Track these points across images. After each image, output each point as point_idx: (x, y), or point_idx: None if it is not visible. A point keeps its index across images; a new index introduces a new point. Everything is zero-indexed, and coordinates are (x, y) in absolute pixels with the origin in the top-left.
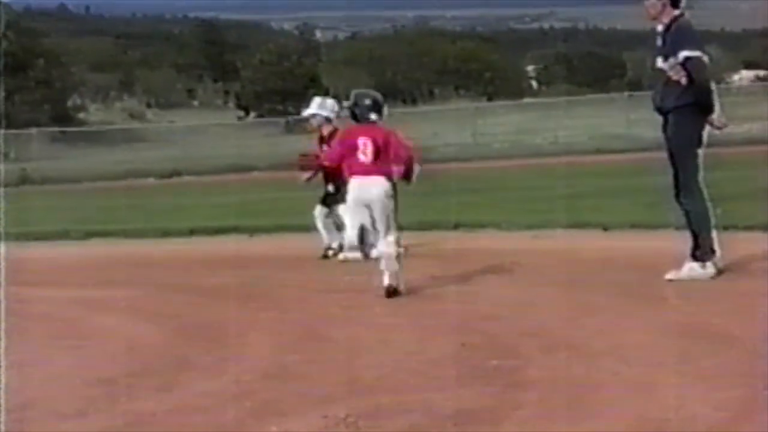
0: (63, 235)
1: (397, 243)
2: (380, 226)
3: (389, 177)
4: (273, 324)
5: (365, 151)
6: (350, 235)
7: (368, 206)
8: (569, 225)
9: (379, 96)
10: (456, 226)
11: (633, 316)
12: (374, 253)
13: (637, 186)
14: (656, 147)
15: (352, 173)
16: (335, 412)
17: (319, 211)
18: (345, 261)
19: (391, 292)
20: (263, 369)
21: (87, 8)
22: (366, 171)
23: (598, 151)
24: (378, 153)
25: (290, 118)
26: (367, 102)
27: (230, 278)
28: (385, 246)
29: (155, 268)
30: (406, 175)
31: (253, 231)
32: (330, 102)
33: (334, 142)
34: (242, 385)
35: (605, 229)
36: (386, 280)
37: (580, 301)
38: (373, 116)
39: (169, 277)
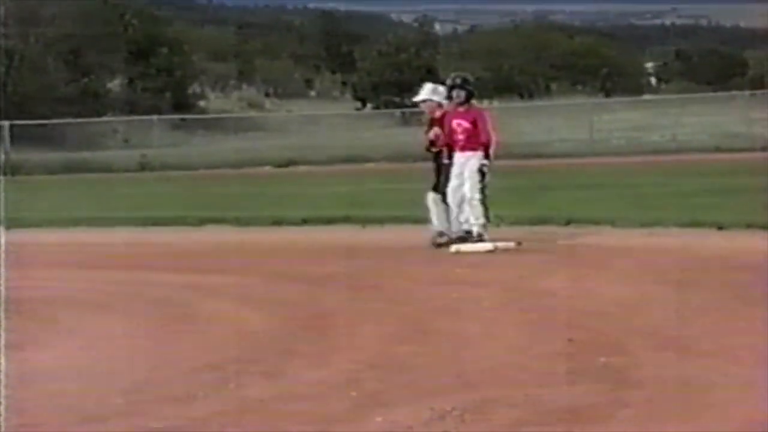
0: (179, 221)
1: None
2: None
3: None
4: (381, 315)
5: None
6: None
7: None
8: (684, 223)
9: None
10: (568, 222)
11: (745, 316)
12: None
13: (756, 185)
14: None
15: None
16: (441, 405)
17: (432, 198)
18: (458, 252)
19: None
20: (370, 359)
21: None
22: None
23: (718, 149)
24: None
25: (404, 110)
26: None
27: (341, 268)
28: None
29: (267, 256)
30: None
31: (365, 222)
32: (441, 88)
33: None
34: (349, 375)
35: (720, 228)
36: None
37: (692, 300)
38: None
39: (281, 266)
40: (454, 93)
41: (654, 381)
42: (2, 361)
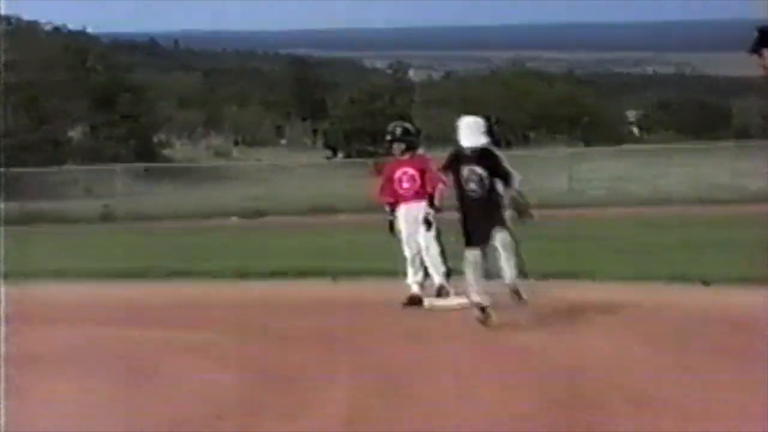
0: (144, 274)
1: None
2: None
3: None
4: (353, 370)
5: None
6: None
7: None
8: (667, 277)
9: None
10: (546, 275)
11: (727, 373)
12: None
13: (740, 238)
14: (762, 199)
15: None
16: None
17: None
18: (432, 308)
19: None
20: (341, 416)
21: (176, 42)
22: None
23: (701, 201)
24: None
25: (377, 160)
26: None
27: (311, 322)
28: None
29: (235, 309)
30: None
31: (336, 274)
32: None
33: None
34: None
35: (704, 282)
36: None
37: (673, 356)
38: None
39: (249, 320)
40: (394, 146)
41: None
42: None
